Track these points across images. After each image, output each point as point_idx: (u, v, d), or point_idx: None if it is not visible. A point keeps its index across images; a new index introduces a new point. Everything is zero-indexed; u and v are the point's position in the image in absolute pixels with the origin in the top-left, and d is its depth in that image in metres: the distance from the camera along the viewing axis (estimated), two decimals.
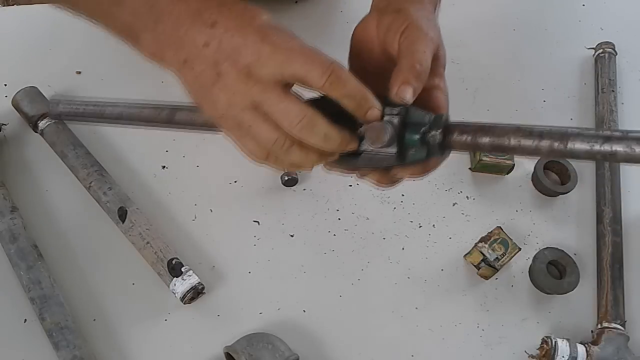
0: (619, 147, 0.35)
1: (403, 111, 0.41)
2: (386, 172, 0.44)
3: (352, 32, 0.49)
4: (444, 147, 0.41)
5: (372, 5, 0.51)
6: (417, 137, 0.41)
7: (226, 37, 0.40)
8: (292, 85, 0.41)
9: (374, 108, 0.41)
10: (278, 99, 0.39)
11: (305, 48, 0.39)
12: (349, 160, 0.44)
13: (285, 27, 0.41)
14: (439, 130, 0.40)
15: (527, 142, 0.38)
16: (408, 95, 0.41)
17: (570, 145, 0.36)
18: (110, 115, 0.54)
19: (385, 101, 0.42)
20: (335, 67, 0.39)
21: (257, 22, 0.40)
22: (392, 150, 0.41)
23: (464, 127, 0.40)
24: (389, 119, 0.41)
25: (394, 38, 0.44)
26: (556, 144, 0.36)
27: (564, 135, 0.36)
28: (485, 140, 0.39)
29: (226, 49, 0.40)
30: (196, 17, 0.41)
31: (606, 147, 0.35)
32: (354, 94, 0.40)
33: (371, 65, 0.47)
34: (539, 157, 0.38)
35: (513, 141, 0.38)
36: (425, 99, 0.43)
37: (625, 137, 0.34)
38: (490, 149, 0.40)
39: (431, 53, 0.43)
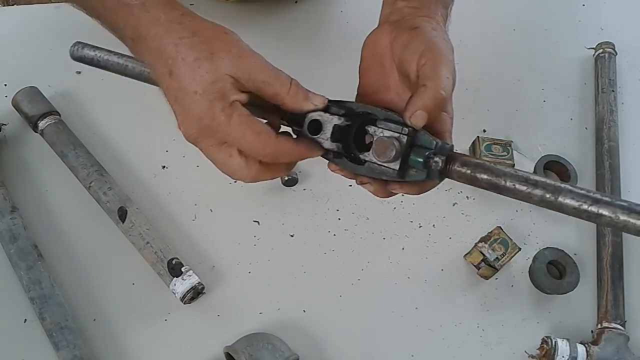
0: (605, 212, 0.36)
1: (412, 132, 0.43)
2: (384, 184, 0.46)
3: (363, 44, 0.49)
4: (443, 174, 0.43)
5: (381, 17, 0.51)
6: (421, 159, 0.42)
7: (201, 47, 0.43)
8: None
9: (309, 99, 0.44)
10: (239, 113, 0.42)
11: (268, 64, 0.42)
12: (352, 166, 0.45)
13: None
14: (443, 158, 0.42)
15: (521, 187, 0.40)
16: (421, 121, 0.42)
17: (560, 199, 0.38)
18: (132, 73, 0.53)
19: (389, 118, 0.44)
20: (294, 80, 0.43)
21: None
22: (395, 166, 0.43)
23: (466, 160, 0.42)
24: (397, 137, 0.42)
25: (411, 58, 0.44)
26: (548, 195, 0.39)
27: (556, 188, 0.38)
28: (483, 176, 0.41)
29: (203, 61, 0.42)
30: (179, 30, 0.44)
31: (593, 209, 0.37)
32: (316, 101, 0.45)
33: (382, 79, 0.48)
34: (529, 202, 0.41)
35: (509, 183, 0.40)
36: (431, 120, 0.44)
37: (612, 203, 0.36)
38: (485, 185, 0.42)
39: (453, 79, 0.44)
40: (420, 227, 0.68)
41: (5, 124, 0.69)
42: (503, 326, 0.63)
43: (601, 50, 0.82)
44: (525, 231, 0.68)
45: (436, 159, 0.42)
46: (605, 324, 0.61)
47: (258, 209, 0.67)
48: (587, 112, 0.79)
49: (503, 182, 0.41)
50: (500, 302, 0.64)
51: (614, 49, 0.82)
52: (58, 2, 0.82)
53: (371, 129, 0.44)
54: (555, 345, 0.58)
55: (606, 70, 0.80)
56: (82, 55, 0.57)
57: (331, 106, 0.45)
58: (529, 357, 0.60)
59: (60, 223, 0.64)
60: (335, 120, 0.44)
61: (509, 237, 0.64)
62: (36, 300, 0.57)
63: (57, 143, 0.67)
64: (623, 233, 0.67)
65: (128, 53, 0.48)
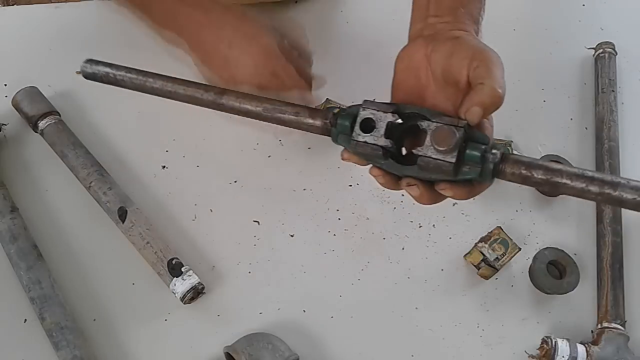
0: None
1: (466, 127, 0.42)
2: (431, 187, 0.45)
3: (395, 61, 0.50)
4: (496, 173, 0.42)
5: (412, 33, 0.52)
6: (477, 153, 0.41)
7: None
8: None
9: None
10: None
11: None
12: (399, 168, 0.44)
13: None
14: (500, 152, 0.41)
15: (578, 184, 0.39)
16: (477, 117, 0.42)
17: (619, 193, 0.38)
18: (150, 89, 0.53)
19: (440, 115, 0.43)
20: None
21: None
22: (451, 159, 0.41)
23: (519, 159, 0.42)
24: (455, 130, 0.42)
25: (461, 64, 0.45)
26: (606, 190, 0.38)
27: (613, 183, 0.38)
28: (538, 174, 0.40)
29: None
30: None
31: None
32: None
33: (417, 91, 0.48)
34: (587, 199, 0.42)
35: (565, 180, 0.40)
36: (483, 119, 0.44)
37: None
38: (540, 183, 0.41)
39: (504, 84, 0.44)
40: (420, 227, 0.68)
41: (5, 124, 0.69)
42: (503, 326, 0.63)
43: (601, 50, 0.82)
44: (525, 231, 0.68)
45: (494, 151, 0.41)
46: (605, 324, 0.61)
47: (258, 209, 0.67)
48: (587, 112, 0.79)
49: (559, 179, 0.40)
50: (500, 302, 0.64)
51: (614, 49, 0.82)
52: (58, 2, 0.82)
53: (424, 123, 0.43)
54: (555, 345, 0.58)
55: (606, 70, 0.80)
56: (95, 73, 0.56)
57: (380, 104, 0.45)
58: (529, 357, 0.60)
59: (60, 223, 0.64)
60: (389, 117, 0.44)
61: (509, 237, 0.64)
62: (36, 300, 0.57)
63: (57, 143, 0.67)
64: (623, 233, 0.68)
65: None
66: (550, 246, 0.66)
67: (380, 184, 0.46)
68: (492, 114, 0.45)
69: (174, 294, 0.59)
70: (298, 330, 0.60)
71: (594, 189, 0.39)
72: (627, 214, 0.70)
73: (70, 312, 0.57)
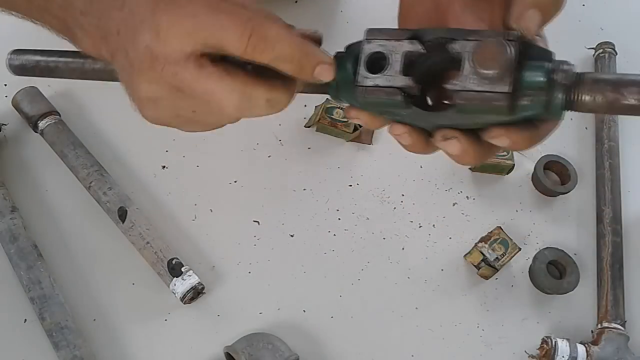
0: None
1: (520, 39, 0.30)
2: (476, 138, 0.32)
3: None
4: (570, 104, 0.30)
5: None
6: (541, 74, 0.29)
7: (129, 18, 0.33)
8: (219, 55, 0.33)
9: (324, 63, 0.33)
10: (192, 79, 0.32)
11: (214, 8, 0.31)
12: (428, 117, 0.32)
13: None
14: (573, 68, 0.30)
15: None
16: (535, 24, 0.31)
17: None
18: (91, 72, 0.43)
19: (479, 32, 0.30)
20: (256, 24, 0.31)
21: None
22: (503, 88, 0.29)
23: (601, 77, 0.30)
24: (504, 43, 0.29)
25: None
26: None
27: None
28: (633, 94, 0.28)
29: (128, 33, 0.33)
30: (109, 0, 0.34)
31: None
32: (288, 53, 0.32)
33: (435, 16, 0.37)
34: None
35: None
36: (543, 28, 0.34)
37: None
38: (636, 107, 0.29)
39: None
40: (420, 227, 0.68)
41: (5, 124, 0.69)
42: (503, 326, 0.63)
43: (601, 50, 0.82)
44: (525, 231, 0.68)
45: (565, 67, 0.30)
46: (605, 324, 0.61)
47: (258, 209, 0.67)
48: None
49: None
50: (500, 302, 0.64)
51: (614, 49, 0.82)
52: None
53: (457, 44, 0.31)
54: (555, 345, 0.58)
55: (606, 70, 0.80)
56: (24, 64, 0.46)
57: (391, 31, 0.32)
58: (529, 357, 0.60)
59: (60, 223, 0.64)
60: (407, 45, 0.32)
61: (509, 237, 0.64)
62: (36, 300, 0.57)
63: (57, 143, 0.67)
64: (623, 233, 0.67)
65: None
66: (550, 246, 0.66)
67: (406, 146, 0.34)
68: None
69: (174, 294, 0.59)
70: (298, 330, 0.60)
71: None
72: (627, 214, 0.70)
73: (70, 312, 0.57)
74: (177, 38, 0.31)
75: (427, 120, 0.32)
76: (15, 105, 0.69)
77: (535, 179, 0.71)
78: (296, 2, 0.84)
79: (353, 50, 0.34)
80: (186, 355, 0.58)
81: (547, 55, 0.31)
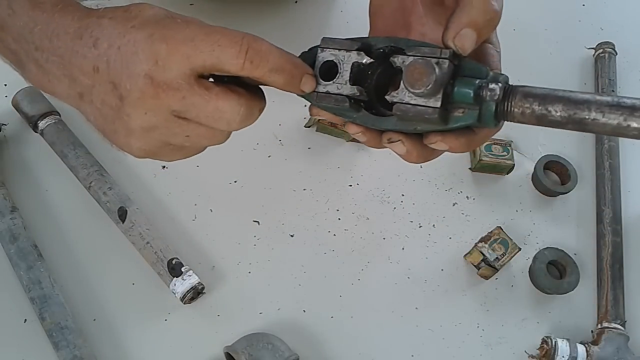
0: None
1: (454, 58, 0.32)
2: (419, 140, 0.35)
3: None
4: (501, 114, 0.32)
5: None
6: (469, 90, 0.32)
7: (112, 52, 0.33)
8: (209, 75, 0.35)
9: (308, 74, 0.35)
10: (202, 101, 0.34)
11: (207, 30, 0.33)
12: (375, 121, 0.35)
13: (177, 13, 0.35)
14: (500, 86, 0.32)
15: (613, 117, 0.29)
16: (469, 43, 0.33)
17: None
18: None
19: (422, 46, 0.33)
20: (250, 40, 0.33)
21: (141, 19, 0.34)
22: (435, 103, 0.32)
23: (529, 91, 0.32)
24: (437, 62, 0.31)
25: None
26: None
27: None
28: (557, 109, 0.30)
29: (117, 66, 0.33)
30: (76, 39, 0.34)
31: None
32: (280, 65, 0.34)
33: (400, 18, 0.40)
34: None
35: (595, 114, 0.29)
36: (472, 56, 0.35)
37: None
38: (560, 122, 0.30)
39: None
40: (420, 227, 0.68)
41: (5, 124, 0.69)
42: (503, 326, 0.63)
43: (601, 50, 0.82)
44: (525, 231, 0.68)
45: (492, 86, 0.31)
46: (605, 324, 0.61)
47: (258, 209, 0.67)
48: None
49: (586, 114, 0.29)
50: (500, 302, 0.64)
51: (614, 49, 0.82)
52: None
53: (399, 58, 0.34)
54: (555, 345, 0.58)
55: (606, 70, 0.80)
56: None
57: (343, 41, 0.35)
58: (529, 357, 0.60)
59: (60, 223, 0.64)
60: (355, 56, 0.35)
61: (509, 237, 0.64)
62: (36, 300, 0.57)
63: (57, 143, 0.67)
64: (623, 233, 0.68)
65: None
66: (550, 246, 0.66)
67: (364, 143, 0.38)
68: (499, 35, 0.36)
69: (174, 294, 0.59)
70: (298, 330, 0.60)
71: (636, 122, 0.28)
72: (627, 214, 0.70)
73: (70, 312, 0.57)
74: (177, 63, 0.33)
75: (374, 122, 0.36)
76: (15, 105, 0.69)
77: (535, 179, 0.71)
78: (296, 2, 0.84)
79: (309, 55, 0.37)
80: (186, 355, 0.58)
81: (480, 71, 0.33)
